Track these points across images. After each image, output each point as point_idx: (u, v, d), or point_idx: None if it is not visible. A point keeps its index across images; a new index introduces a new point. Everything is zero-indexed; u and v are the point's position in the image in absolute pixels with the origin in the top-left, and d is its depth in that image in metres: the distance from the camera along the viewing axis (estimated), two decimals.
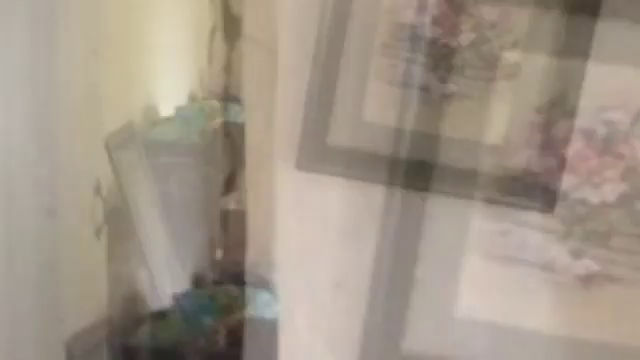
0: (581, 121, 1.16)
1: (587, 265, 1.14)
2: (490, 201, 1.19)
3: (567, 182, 1.16)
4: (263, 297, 3.58)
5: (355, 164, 1.56)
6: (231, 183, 4.99)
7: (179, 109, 5.78)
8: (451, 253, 1.17)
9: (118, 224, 4.18)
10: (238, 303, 3.90)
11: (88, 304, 3.65)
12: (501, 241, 1.18)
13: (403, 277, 1.22)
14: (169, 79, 6.03)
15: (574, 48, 1.19)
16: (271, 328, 1.56)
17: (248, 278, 2.91)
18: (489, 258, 1.18)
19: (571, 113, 1.14)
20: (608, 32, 1.15)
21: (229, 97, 6.37)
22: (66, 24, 3.29)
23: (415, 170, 1.54)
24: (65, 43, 3.29)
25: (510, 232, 1.18)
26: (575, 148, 1.16)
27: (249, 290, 3.87)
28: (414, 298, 1.18)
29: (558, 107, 1.18)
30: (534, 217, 1.15)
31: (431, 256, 1.20)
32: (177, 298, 4.10)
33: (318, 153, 1.56)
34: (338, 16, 1.52)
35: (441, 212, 1.30)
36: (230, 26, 6.78)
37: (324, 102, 1.55)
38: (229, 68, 6.73)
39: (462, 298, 1.19)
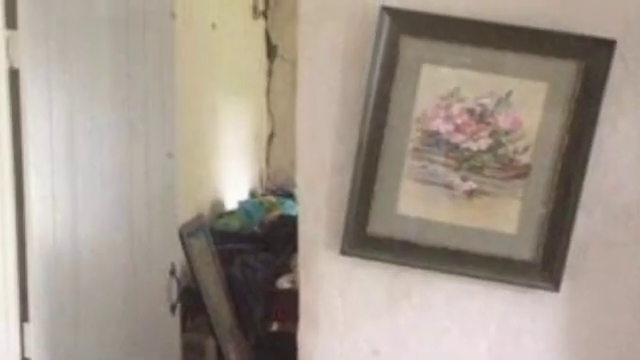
0: (466, 104, 1.51)
1: (470, 185, 1.53)
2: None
3: (459, 138, 1.52)
4: (289, 203, 5.95)
5: (390, 250, 1.56)
6: (285, 266, 4.99)
7: (241, 203, 5.81)
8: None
9: (190, 301, 4.19)
10: (275, 206, 5.95)
11: None
12: (422, 171, 1.54)
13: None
14: (233, 178, 6.08)
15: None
16: (293, 220, 2.10)
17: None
18: (415, 181, 1.54)
19: (461, 100, 1.51)
20: None
21: (284, 193, 6.40)
22: (146, 133, 3.33)
23: (440, 255, 1.54)
24: (145, 149, 3.34)
25: (427, 167, 1.54)
26: (463, 119, 1.51)
27: (281, 199, 6.12)
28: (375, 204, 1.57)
29: (454, 97, 1.52)
30: (440, 158, 1.53)
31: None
32: (241, 203, 5.84)
33: (359, 241, 1.57)
34: (376, 124, 1.54)
35: None
36: (284, 133, 6.86)
37: (364, 197, 1.56)
38: (284, 169, 6.80)
39: (401, 203, 1.56)
